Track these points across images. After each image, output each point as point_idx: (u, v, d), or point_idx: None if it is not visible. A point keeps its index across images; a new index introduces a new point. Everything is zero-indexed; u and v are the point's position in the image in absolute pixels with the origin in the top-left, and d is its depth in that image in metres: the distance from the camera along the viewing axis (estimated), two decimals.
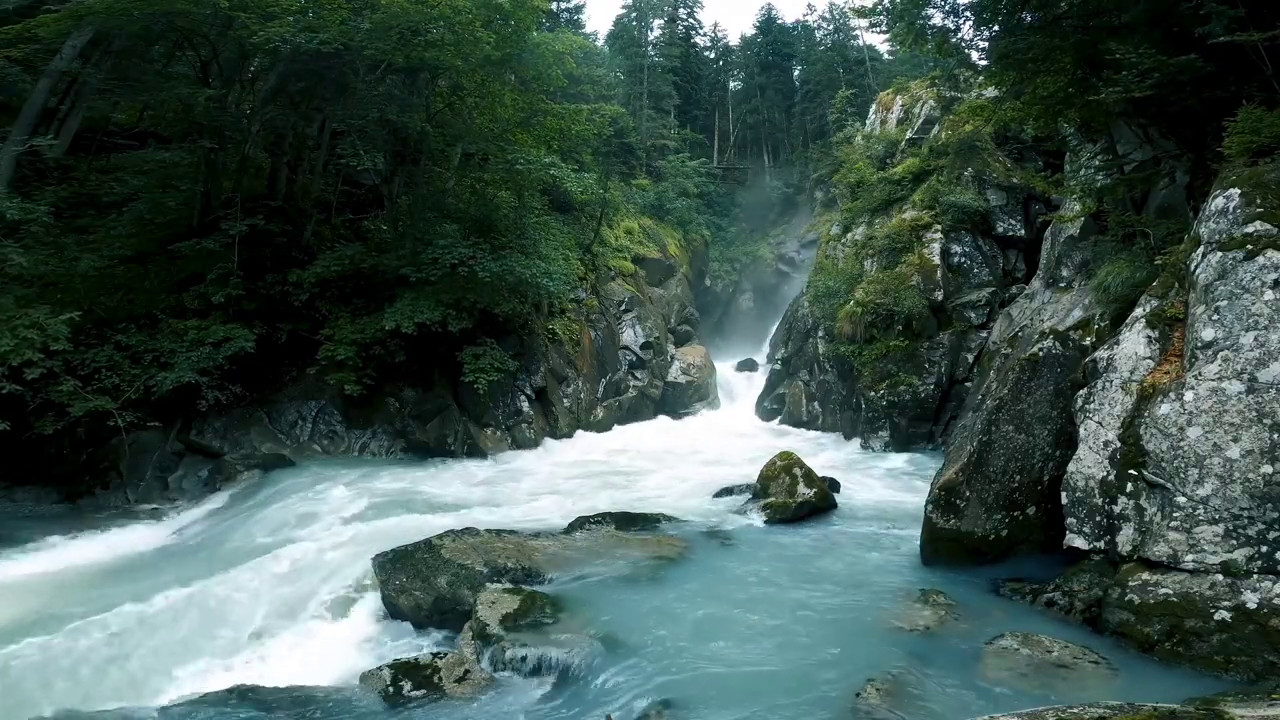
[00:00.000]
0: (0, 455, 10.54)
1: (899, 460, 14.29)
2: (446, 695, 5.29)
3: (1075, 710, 3.52)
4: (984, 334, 16.08)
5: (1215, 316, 5.81)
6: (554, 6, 33.47)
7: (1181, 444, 5.69)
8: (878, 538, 8.51)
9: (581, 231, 21.76)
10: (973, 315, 16.44)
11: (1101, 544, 6.11)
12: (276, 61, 13.76)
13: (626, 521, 8.95)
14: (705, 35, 49.91)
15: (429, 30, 13.26)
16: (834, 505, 9.86)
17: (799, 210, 38.03)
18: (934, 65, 20.42)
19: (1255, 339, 5.54)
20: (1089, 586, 5.99)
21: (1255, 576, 5.18)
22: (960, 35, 11.12)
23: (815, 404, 19.40)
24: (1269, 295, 5.58)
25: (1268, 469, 5.29)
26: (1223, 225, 6.14)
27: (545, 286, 15.15)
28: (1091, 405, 6.52)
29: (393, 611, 6.88)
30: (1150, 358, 6.39)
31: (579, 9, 38.27)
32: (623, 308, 22.68)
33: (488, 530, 8.01)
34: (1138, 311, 6.84)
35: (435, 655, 5.71)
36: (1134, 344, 6.55)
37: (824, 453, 15.43)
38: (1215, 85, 7.74)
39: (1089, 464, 6.31)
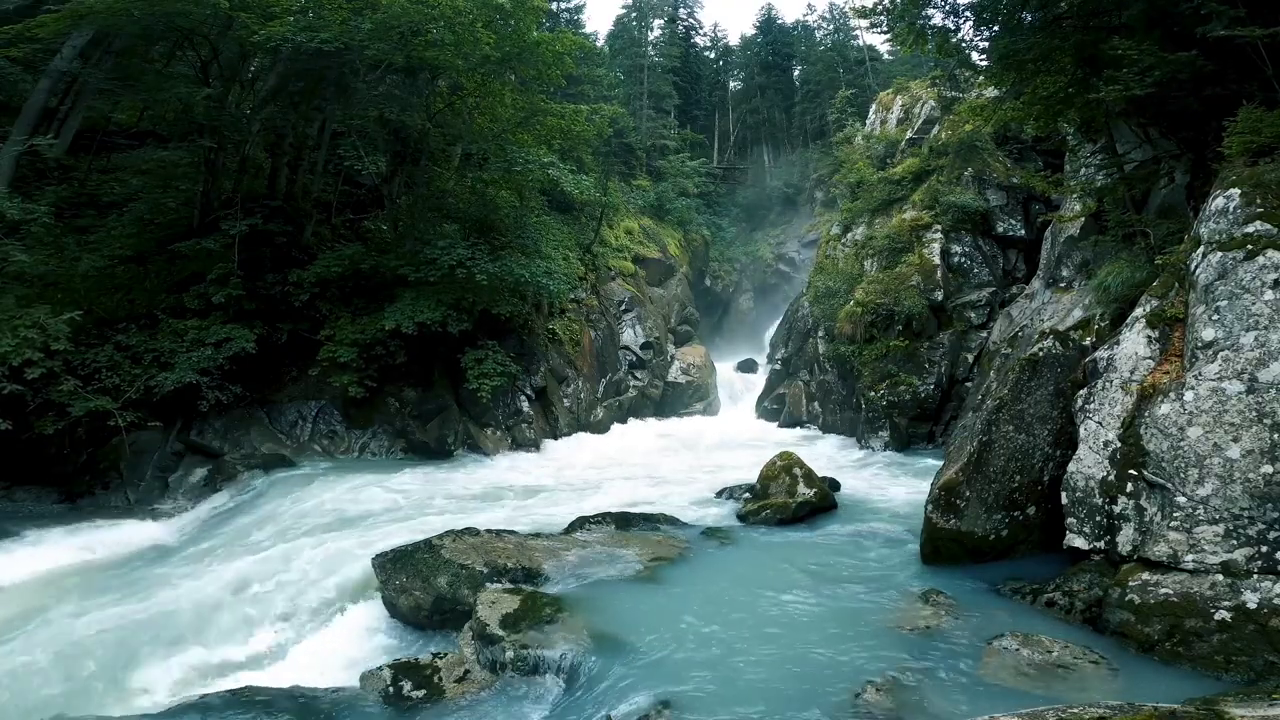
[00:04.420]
0: (0, 455, 10.55)
1: (899, 460, 14.28)
2: (446, 695, 5.29)
3: (1075, 710, 3.52)
4: (984, 334, 16.08)
5: (1215, 316, 5.80)
6: (554, 6, 33.51)
7: (1181, 444, 5.69)
8: (878, 537, 8.50)
9: (581, 231, 21.78)
10: (973, 315, 16.45)
11: (1102, 544, 6.10)
12: (276, 61, 13.77)
13: (626, 521, 8.95)
14: (705, 35, 50.03)
15: (429, 30, 13.26)
16: (834, 505, 9.86)
17: (799, 210, 38.06)
18: (934, 65, 20.45)
19: (1255, 339, 5.54)
20: (1089, 586, 5.98)
21: (1255, 576, 5.18)
22: (960, 35, 11.12)
23: (815, 404, 19.40)
24: (1269, 295, 5.58)
25: (1268, 469, 5.29)
26: (1223, 225, 6.14)
27: (546, 286, 15.15)
28: (1091, 405, 6.52)
29: (393, 612, 6.87)
30: (1150, 358, 6.39)
31: (579, 9, 38.30)
32: (623, 308, 22.68)
33: (488, 530, 8.01)
34: (1138, 311, 6.84)
35: (435, 655, 5.71)
36: (1134, 344, 6.54)
37: (824, 453, 15.43)
38: (1215, 85, 7.74)
39: (1089, 464, 6.31)
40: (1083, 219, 12.39)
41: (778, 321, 25.87)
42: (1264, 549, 5.21)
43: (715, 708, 4.66)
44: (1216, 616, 5.11)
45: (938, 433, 15.49)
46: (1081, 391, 6.75)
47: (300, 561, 7.87)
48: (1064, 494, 6.45)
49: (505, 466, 13.83)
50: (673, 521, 9.22)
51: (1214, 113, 7.64)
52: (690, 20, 47.50)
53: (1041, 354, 7.52)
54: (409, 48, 13.66)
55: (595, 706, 4.90)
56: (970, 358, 15.92)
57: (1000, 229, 17.39)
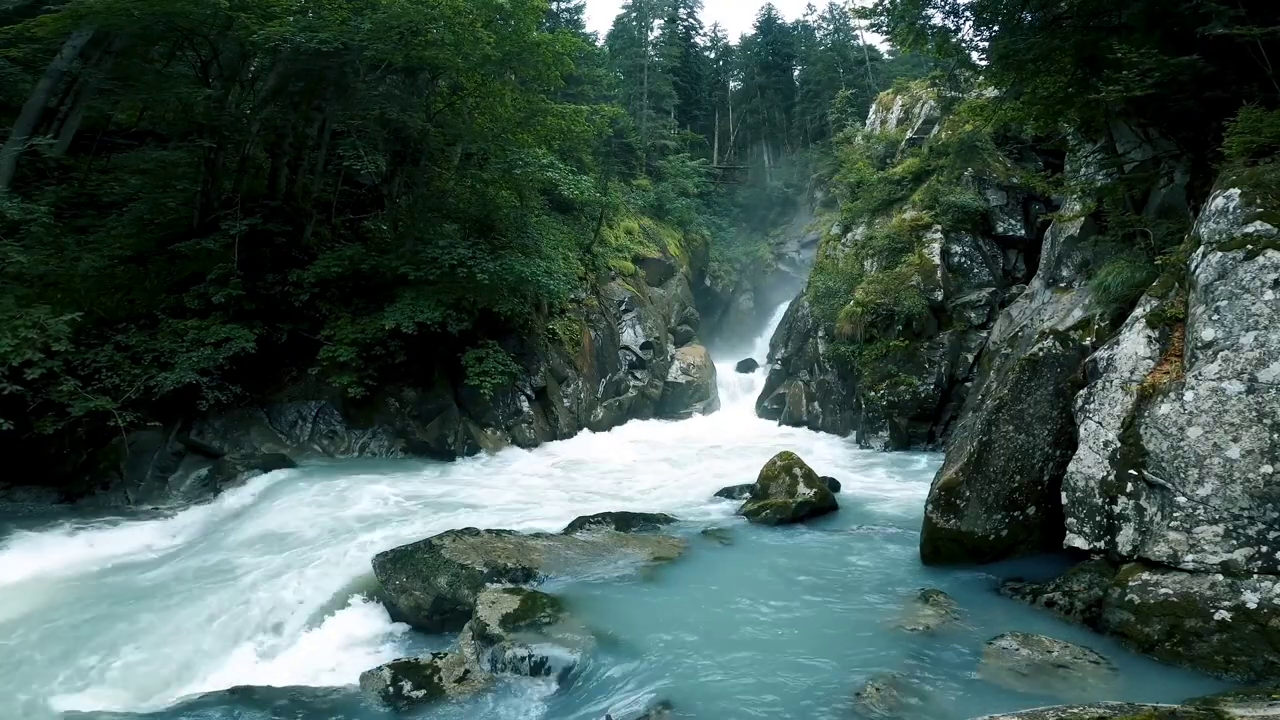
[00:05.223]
0: (0, 455, 10.55)
1: (899, 460, 14.29)
2: (446, 695, 5.29)
3: (1075, 710, 3.52)
4: (984, 334, 16.08)
5: (1215, 316, 5.80)
6: (554, 6, 33.54)
7: (1181, 444, 5.69)
8: (878, 537, 8.51)
9: (582, 231, 21.79)
10: (973, 315, 16.45)
11: (1102, 544, 6.10)
12: (276, 61, 13.76)
13: (626, 521, 8.95)
14: (705, 35, 50.09)
15: (429, 30, 13.26)
16: (834, 505, 9.86)
17: (799, 210, 38.07)
18: (934, 65, 20.45)
19: (1255, 339, 5.54)
20: (1089, 586, 5.98)
21: (1255, 576, 5.18)
22: (960, 35, 11.13)
23: (815, 404, 19.40)
24: (1269, 295, 5.58)
25: (1268, 469, 5.29)
26: (1223, 225, 6.14)
27: (546, 286, 15.16)
28: (1091, 405, 6.52)
29: (393, 612, 6.88)
30: (1150, 358, 6.39)
31: (579, 9, 38.33)
32: (623, 308, 22.68)
33: (488, 530, 8.01)
34: (1138, 311, 6.84)
35: (435, 655, 5.71)
36: (1134, 344, 6.54)
37: (824, 453, 15.42)
38: (1215, 85, 7.75)
39: (1089, 464, 6.31)
40: (1083, 219, 12.40)
41: (778, 321, 25.87)
42: (1264, 549, 5.21)
43: (715, 708, 4.66)
44: (1216, 616, 5.11)
45: (938, 433, 15.49)
46: (1081, 391, 6.75)
47: (300, 561, 7.87)
48: (1064, 494, 6.45)
49: (505, 466, 13.83)
50: (672, 521, 9.23)
51: (1214, 113, 7.64)
52: (690, 20, 47.55)
53: (1041, 354, 7.52)
54: (409, 48, 13.65)
55: (595, 706, 4.90)
56: (970, 358, 15.92)
57: (1000, 229, 17.40)
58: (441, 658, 5.64)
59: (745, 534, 8.85)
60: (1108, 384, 6.51)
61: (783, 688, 4.91)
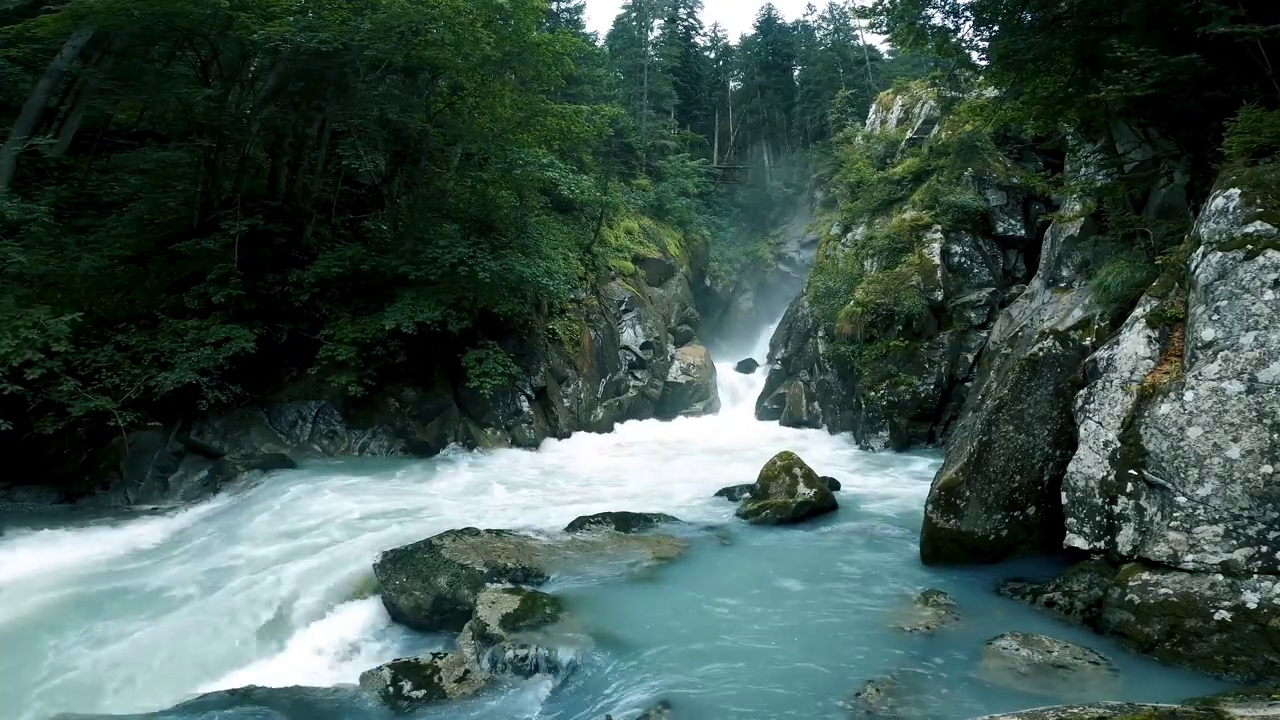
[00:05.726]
0: (0, 455, 10.55)
1: (899, 460, 14.29)
2: (446, 695, 5.30)
3: (1075, 710, 3.51)
4: (984, 334, 16.09)
5: (1215, 316, 5.81)
6: (554, 6, 33.55)
7: (1181, 444, 5.69)
8: (878, 538, 8.51)
9: (582, 231, 21.79)
10: (973, 315, 16.45)
11: (1102, 544, 6.11)
12: (276, 61, 13.76)
13: (626, 521, 8.95)
14: (705, 35, 50.12)
15: (429, 30, 13.26)
16: (834, 505, 9.86)
17: (799, 210, 38.07)
18: (934, 65, 20.49)
19: (1255, 339, 5.54)
20: (1089, 586, 5.98)
21: (1255, 576, 5.18)
22: (960, 35, 11.13)
23: (815, 404, 19.40)
24: (1269, 295, 5.58)
25: (1268, 469, 5.29)
26: (1223, 225, 6.14)
27: (546, 286, 15.16)
28: (1091, 405, 6.52)
29: (393, 612, 6.88)
30: (1150, 358, 6.39)
31: (579, 9, 38.33)
32: (623, 308, 22.68)
33: (488, 530, 8.01)
34: (1138, 311, 6.84)
35: (435, 655, 5.71)
36: (1134, 344, 6.55)
37: (824, 453, 15.42)
38: (1215, 85, 7.75)
39: (1089, 464, 6.31)
40: (1083, 219, 12.40)
41: (778, 321, 25.88)
42: (1264, 549, 5.21)
43: (715, 707, 4.66)
44: (1216, 616, 5.12)
45: (938, 433, 15.50)
46: (1081, 391, 6.75)
47: (300, 561, 7.86)
48: (1064, 494, 6.45)
49: (505, 466, 13.82)
50: (672, 521, 9.23)
51: (1214, 113, 7.65)
52: (690, 20, 47.57)
53: (1041, 354, 7.52)
54: (409, 48, 13.66)
55: (595, 706, 4.90)
56: (970, 358, 15.92)
57: (1000, 229, 17.40)
58: (441, 658, 5.65)
59: (745, 534, 8.85)
60: (1108, 384, 6.51)
61: (782, 687, 4.91)
